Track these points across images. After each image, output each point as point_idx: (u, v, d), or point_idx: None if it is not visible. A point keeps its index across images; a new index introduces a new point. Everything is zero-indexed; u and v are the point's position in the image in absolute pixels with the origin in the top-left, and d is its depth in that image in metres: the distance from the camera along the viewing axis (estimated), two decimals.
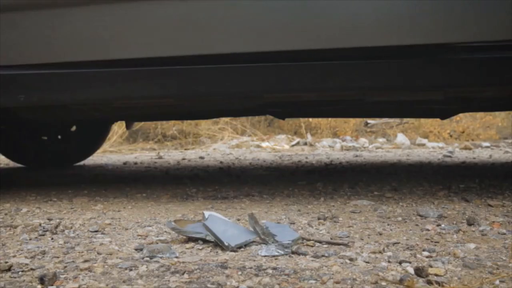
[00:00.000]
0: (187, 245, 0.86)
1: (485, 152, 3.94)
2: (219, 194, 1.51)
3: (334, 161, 2.92)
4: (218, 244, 0.84)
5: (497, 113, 5.54)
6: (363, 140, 5.09)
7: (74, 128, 2.66)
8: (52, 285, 0.66)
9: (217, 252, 0.82)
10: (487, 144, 4.73)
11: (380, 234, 0.96)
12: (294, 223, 1.06)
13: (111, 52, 1.26)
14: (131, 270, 0.72)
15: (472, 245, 0.86)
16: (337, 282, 0.66)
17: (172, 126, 5.54)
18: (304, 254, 0.80)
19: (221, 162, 3.00)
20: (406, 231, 0.98)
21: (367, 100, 1.54)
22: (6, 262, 0.74)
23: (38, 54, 1.29)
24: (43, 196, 1.51)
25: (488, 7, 1.13)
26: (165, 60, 1.26)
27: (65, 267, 0.74)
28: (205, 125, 5.61)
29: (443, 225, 1.03)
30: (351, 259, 0.77)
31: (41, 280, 0.66)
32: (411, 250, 0.84)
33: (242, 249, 0.83)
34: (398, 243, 0.88)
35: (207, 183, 1.81)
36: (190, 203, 1.35)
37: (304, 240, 0.89)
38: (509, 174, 2.06)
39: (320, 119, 5.40)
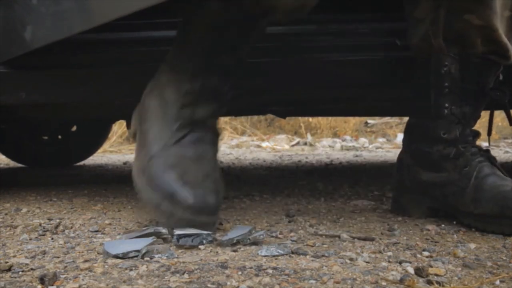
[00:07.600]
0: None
1: None
2: None
3: (334, 161, 2.92)
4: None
5: (497, 113, 5.52)
6: (363, 140, 5.09)
7: (74, 128, 2.66)
8: (52, 285, 0.66)
9: (217, 252, 0.82)
10: (487, 144, 4.72)
11: (381, 234, 0.96)
12: (294, 223, 1.06)
13: None
14: (131, 270, 0.72)
15: (472, 245, 0.87)
16: (337, 282, 0.66)
17: None
18: (304, 254, 0.80)
19: (221, 162, 3.00)
20: (406, 231, 0.98)
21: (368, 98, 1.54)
22: (6, 262, 0.74)
23: None
24: (43, 196, 1.51)
25: None
26: None
27: (65, 267, 0.74)
28: None
29: (443, 225, 1.03)
30: (351, 259, 0.77)
31: (41, 280, 0.66)
32: (411, 250, 0.84)
33: (242, 249, 0.83)
34: (398, 243, 0.88)
35: None
36: None
37: (305, 240, 0.89)
38: (509, 174, 2.06)
39: (320, 119, 5.40)
